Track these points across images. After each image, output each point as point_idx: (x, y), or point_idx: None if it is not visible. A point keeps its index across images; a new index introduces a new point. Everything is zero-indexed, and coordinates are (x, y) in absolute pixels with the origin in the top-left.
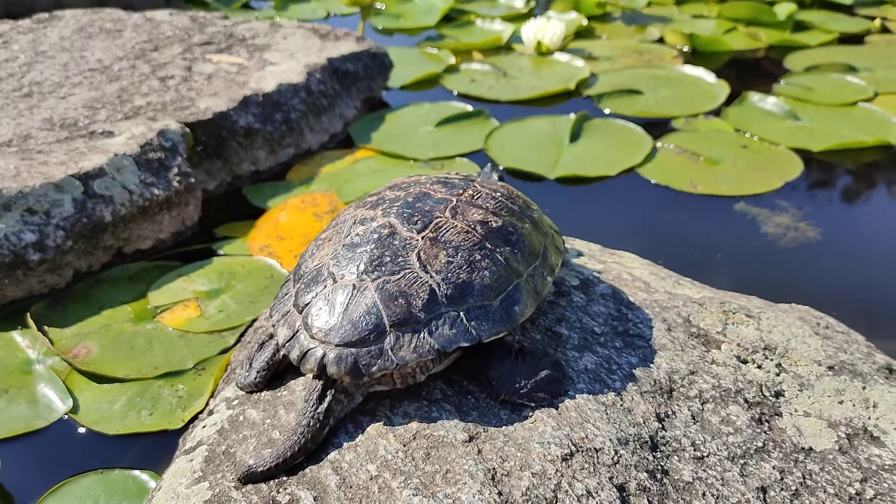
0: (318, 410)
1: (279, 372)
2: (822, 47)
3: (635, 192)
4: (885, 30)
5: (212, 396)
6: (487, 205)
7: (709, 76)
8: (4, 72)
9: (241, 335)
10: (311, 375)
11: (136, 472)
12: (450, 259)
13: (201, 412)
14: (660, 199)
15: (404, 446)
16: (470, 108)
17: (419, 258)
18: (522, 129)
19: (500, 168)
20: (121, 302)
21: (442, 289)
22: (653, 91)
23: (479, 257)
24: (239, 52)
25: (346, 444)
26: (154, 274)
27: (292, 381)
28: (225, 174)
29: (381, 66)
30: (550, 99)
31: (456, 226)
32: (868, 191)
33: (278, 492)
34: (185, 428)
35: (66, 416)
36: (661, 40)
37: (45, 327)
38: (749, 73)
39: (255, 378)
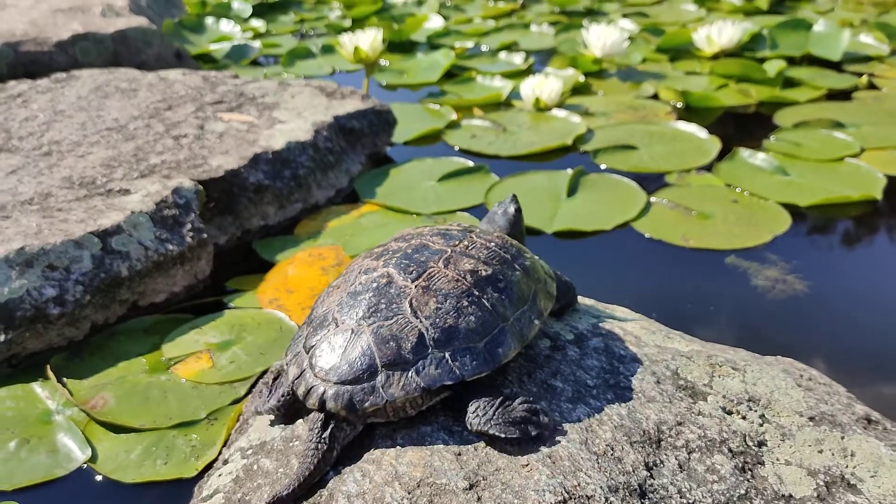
0: (323, 436)
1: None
2: (811, 103)
3: (630, 245)
4: (871, 86)
5: (224, 446)
6: (480, 255)
7: (701, 132)
8: (25, 131)
9: (252, 386)
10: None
11: None
12: (439, 305)
13: (214, 461)
14: (653, 252)
15: (409, 493)
16: (471, 163)
17: (411, 305)
18: (521, 184)
19: (511, 198)
20: (136, 354)
21: (430, 332)
22: (647, 146)
23: (466, 303)
24: (249, 111)
25: (354, 492)
26: (168, 326)
27: (302, 431)
28: (235, 229)
29: (385, 123)
30: (548, 154)
31: (447, 275)
32: (854, 245)
33: None
34: (200, 476)
35: (85, 465)
36: (655, 96)
37: (64, 379)
38: (740, 128)
39: (277, 403)
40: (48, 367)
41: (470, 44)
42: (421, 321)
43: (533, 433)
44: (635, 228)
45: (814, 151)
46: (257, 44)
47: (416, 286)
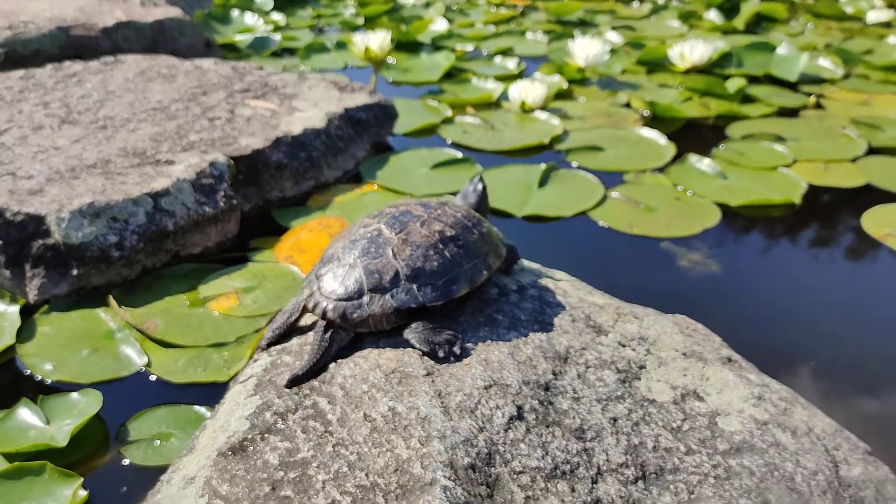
0: (325, 337)
1: (291, 331)
2: (762, 118)
3: (584, 230)
4: (818, 105)
5: (251, 358)
6: (448, 221)
7: (661, 139)
8: (83, 106)
9: (271, 320)
10: (319, 319)
11: (196, 407)
12: (412, 252)
13: (243, 369)
14: (603, 236)
15: (386, 377)
16: (460, 155)
17: (392, 250)
18: (501, 175)
19: (479, 178)
20: (178, 292)
21: (403, 270)
22: (613, 148)
23: (432, 253)
24: (272, 99)
25: (349, 374)
26: (203, 273)
27: (312, 340)
28: (258, 199)
29: (389, 116)
30: (528, 151)
31: (421, 232)
32: (770, 239)
33: (304, 398)
34: (230, 380)
35: (143, 369)
36: (627, 105)
37: (123, 307)
38: (696, 137)
39: (272, 335)
40: (110, 296)
41: (470, 47)
42: (398, 262)
43: (440, 354)
44: (591, 217)
45: (753, 160)
46: (277, 36)
47: (398, 238)
